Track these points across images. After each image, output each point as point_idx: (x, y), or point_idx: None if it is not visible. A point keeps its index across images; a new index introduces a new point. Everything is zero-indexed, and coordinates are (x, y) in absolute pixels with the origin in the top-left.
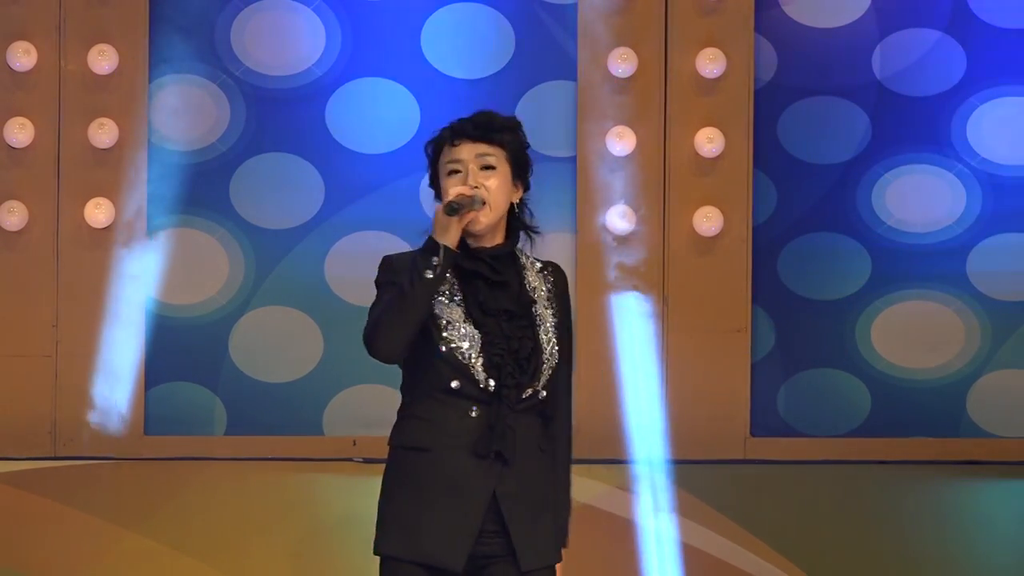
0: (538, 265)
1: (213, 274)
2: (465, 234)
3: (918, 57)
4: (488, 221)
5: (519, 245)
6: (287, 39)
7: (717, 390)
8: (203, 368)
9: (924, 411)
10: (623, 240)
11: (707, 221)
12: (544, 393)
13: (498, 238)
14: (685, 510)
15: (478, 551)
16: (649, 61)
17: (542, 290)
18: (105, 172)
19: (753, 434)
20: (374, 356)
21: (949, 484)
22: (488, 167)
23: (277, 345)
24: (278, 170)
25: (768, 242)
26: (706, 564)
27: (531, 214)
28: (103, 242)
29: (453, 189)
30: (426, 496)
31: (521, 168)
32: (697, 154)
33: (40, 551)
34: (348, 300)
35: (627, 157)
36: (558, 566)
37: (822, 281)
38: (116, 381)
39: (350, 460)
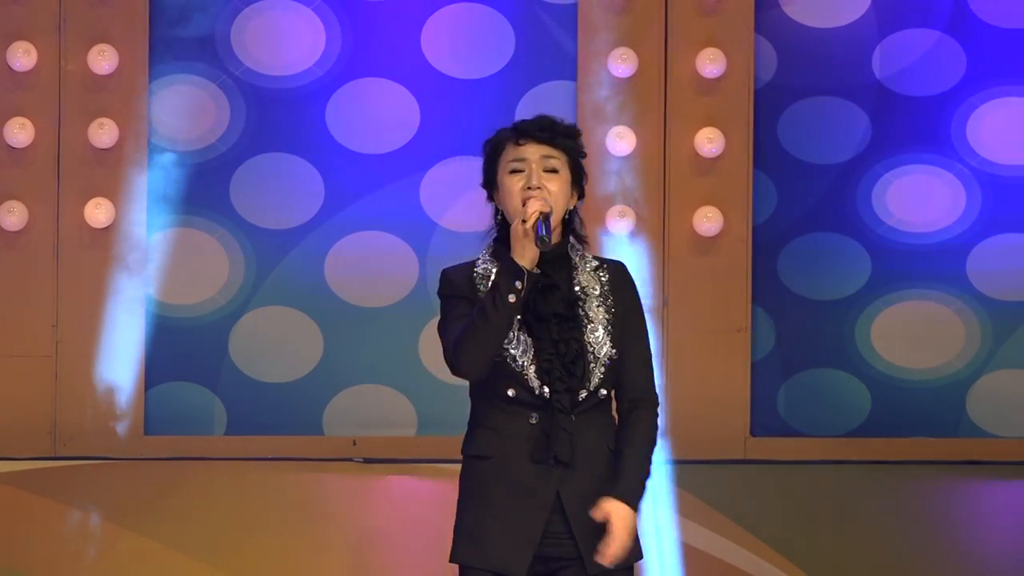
0: (594, 263)
1: (213, 274)
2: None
3: (918, 57)
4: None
5: (574, 246)
6: (287, 39)
7: (717, 390)
8: (203, 368)
9: (924, 411)
10: (623, 240)
11: (707, 221)
12: (604, 392)
13: (553, 242)
14: (685, 510)
15: (550, 553)
16: (649, 61)
17: (594, 288)
18: (105, 172)
19: (753, 434)
20: (459, 376)
21: (949, 484)
22: (552, 170)
23: (277, 345)
24: (278, 170)
25: (768, 242)
26: (706, 564)
27: (581, 222)
28: (103, 242)
29: (529, 209)
30: (489, 503)
31: (578, 176)
32: (697, 154)
33: (40, 551)
34: (348, 300)
35: (627, 157)
36: (622, 512)
37: (822, 281)
38: (116, 381)
39: (350, 460)
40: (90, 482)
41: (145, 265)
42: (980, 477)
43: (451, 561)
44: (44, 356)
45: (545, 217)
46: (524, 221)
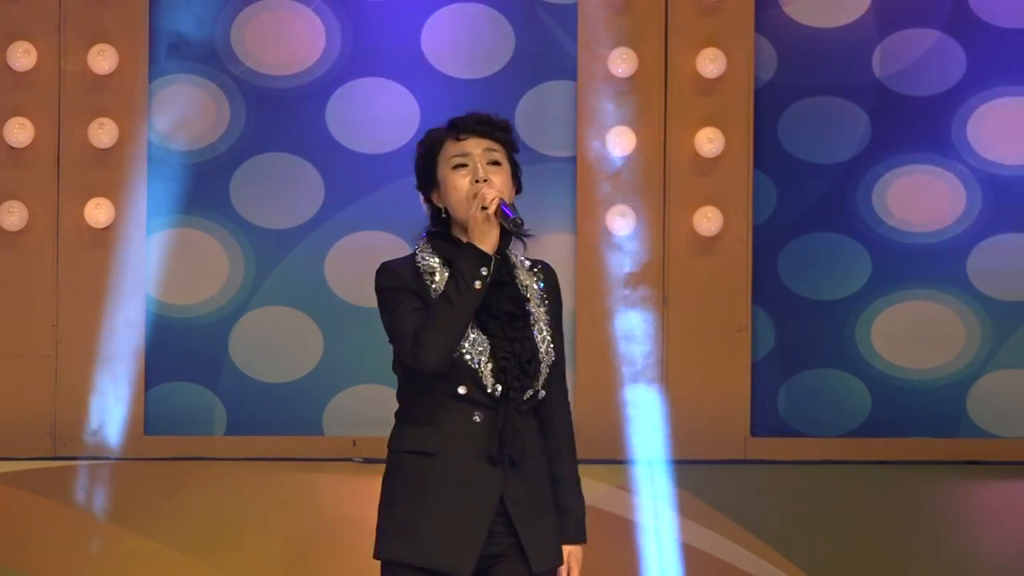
0: (527, 263)
1: (213, 274)
2: (461, 233)
3: (918, 57)
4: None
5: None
6: (287, 39)
7: (717, 390)
8: (203, 368)
9: (924, 411)
10: (623, 240)
11: (707, 221)
12: (543, 393)
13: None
14: (685, 510)
15: (486, 551)
16: (649, 61)
17: (534, 288)
18: (105, 172)
19: (753, 434)
20: (423, 368)
21: (949, 484)
22: (495, 163)
23: (277, 345)
24: (278, 170)
25: (768, 242)
26: (706, 564)
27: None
28: (103, 242)
29: (488, 193)
30: (431, 500)
31: (516, 168)
32: (697, 154)
33: (40, 551)
34: (348, 300)
35: (627, 157)
36: (579, 554)
37: (822, 281)
38: (116, 381)
39: (350, 460)
40: (90, 482)
41: (145, 265)
42: (980, 477)
43: (376, 557)
44: (44, 356)
45: (506, 202)
46: (484, 208)
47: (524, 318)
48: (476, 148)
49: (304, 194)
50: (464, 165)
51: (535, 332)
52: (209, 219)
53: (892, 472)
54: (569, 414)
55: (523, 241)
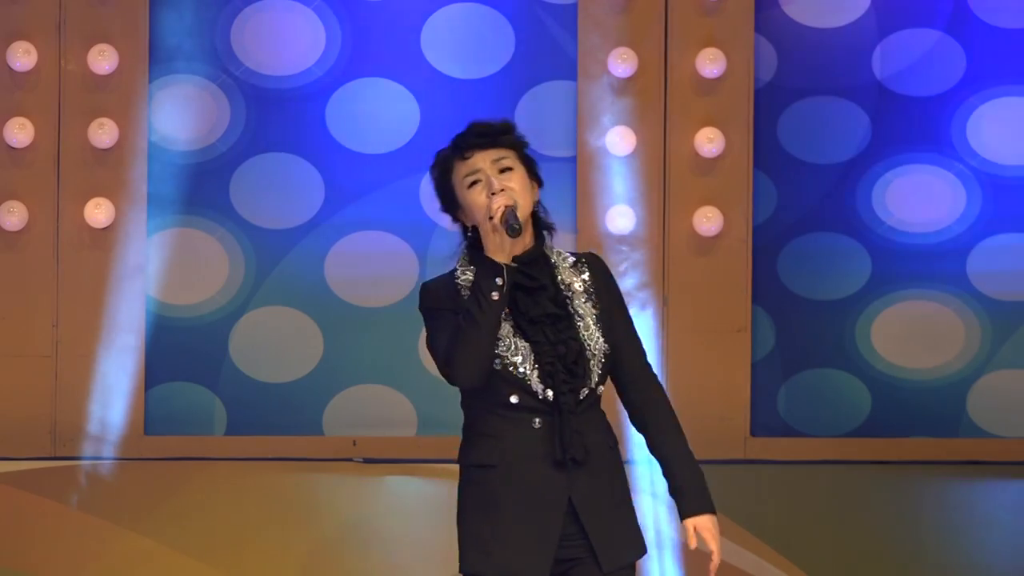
0: (571, 259)
1: (213, 274)
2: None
3: (918, 57)
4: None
5: (547, 243)
6: (287, 39)
7: (717, 390)
8: (203, 368)
9: (924, 411)
10: (623, 240)
11: (707, 221)
12: (601, 388)
13: (527, 241)
14: None
15: (560, 555)
16: (649, 61)
17: (578, 285)
18: (105, 172)
19: (753, 434)
20: (457, 385)
21: (949, 484)
22: (506, 169)
23: (277, 345)
24: (278, 170)
25: (768, 242)
26: (706, 564)
27: (545, 210)
28: (103, 242)
29: (495, 204)
30: (500, 511)
31: (531, 166)
32: (697, 154)
33: (40, 551)
34: (348, 300)
35: (627, 157)
36: (708, 523)
37: (822, 281)
38: (116, 381)
39: (350, 460)
40: (90, 482)
41: (145, 265)
42: (980, 477)
43: (462, 572)
44: (44, 356)
45: (511, 209)
46: (491, 218)
47: (568, 318)
48: (484, 162)
49: (304, 194)
50: (478, 181)
51: (581, 330)
52: (209, 219)
53: (892, 472)
54: (659, 392)
55: (551, 236)
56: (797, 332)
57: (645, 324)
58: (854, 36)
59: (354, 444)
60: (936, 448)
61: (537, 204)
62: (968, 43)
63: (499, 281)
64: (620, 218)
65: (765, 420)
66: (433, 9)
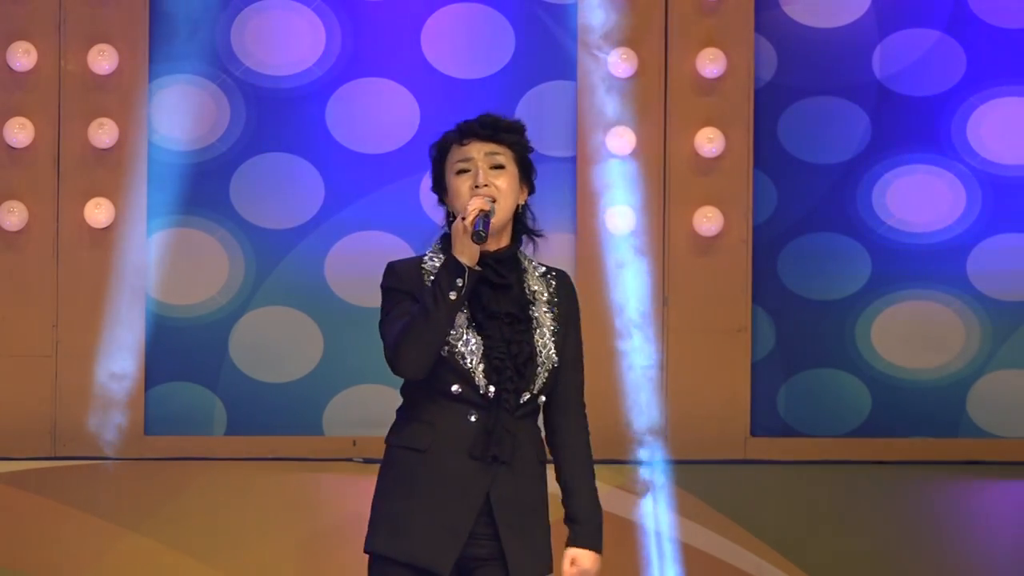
0: (541, 269)
1: (213, 274)
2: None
3: (918, 57)
4: (497, 222)
5: (522, 248)
6: (287, 39)
7: (717, 390)
8: (203, 368)
9: (924, 411)
10: (623, 240)
11: (707, 221)
12: (543, 399)
13: (503, 240)
14: (685, 510)
15: (469, 552)
16: (649, 61)
17: (543, 294)
18: (105, 172)
19: (753, 434)
20: (400, 375)
21: (949, 484)
22: (498, 166)
23: (277, 345)
24: (278, 170)
25: (768, 242)
26: (706, 564)
27: (533, 217)
28: (103, 242)
29: (470, 207)
30: (418, 496)
31: (526, 170)
32: (697, 154)
33: (40, 551)
34: (348, 300)
35: (627, 157)
36: (590, 560)
37: (822, 281)
38: (116, 381)
39: (350, 460)
40: (90, 482)
41: (145, 265)
42: (980, 477)
43: (366, 551)
44: (44, 356)
45: (485, 214)
46: (464, 218)
47: (526, 322)
48: (478, 153)
49: (304, 194)
50: (467, 170)
51: (536, 336)
52: (209, 219)
53: (892, 472)
54: (583, 422)
55: (534, 242)
56: (797, 332)
57: (645, 324)
58: (854, 36)
59: (354, 444)
60: (936, 448)
61: (524, 209)
62: (968, 43)
63: (459, 283)
64: (620, 218)
65: (765, 420)
66: (433, 9)
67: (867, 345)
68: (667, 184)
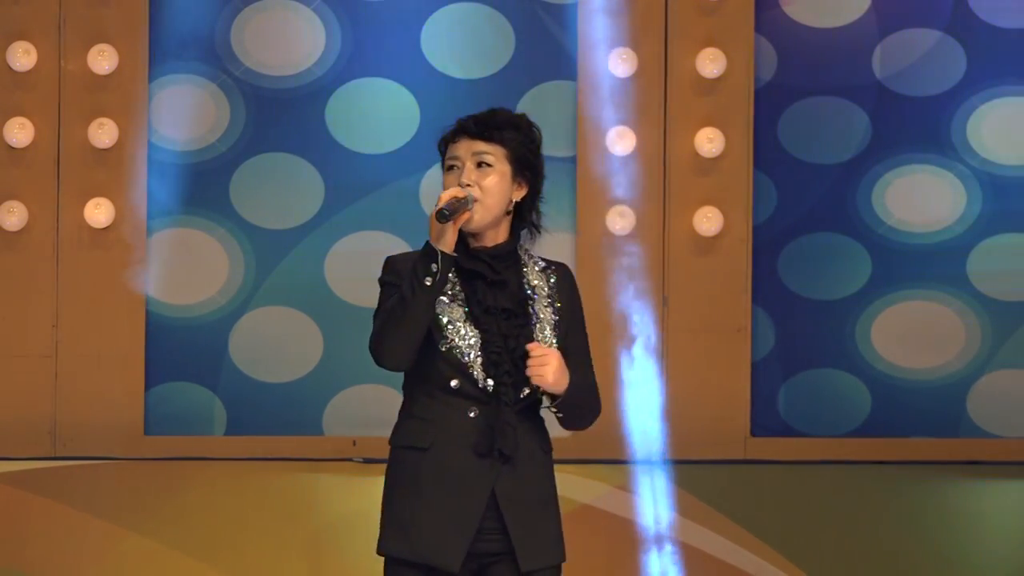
0: (541, 264)
1: (213, 274)
2: (466, 233)
3: (918, 57)
4: (482, 219)
5: (523, 243)
6: (287, 39)
7: (717, 390)
8: (203, 368)
9: (924, 411)
10: (623, 240)
11: (707, 221)
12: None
13: (500, 236)
14: (685, 510)
15: (480, 549)
16: (649, 61)
17: (543, 289)
18: (105, 172)
19: (753, 434)
20: (382, 366)
21: (949, 484)
22: (484, 164)
23: (277, 345)
24: (278, 170)
25: (768, 242)
26: (706, 564)
27: (539, 213)
28: (103, 242)
29: (444, 192)
30: (424, 495)
31: (523, 166)
32: (697, 154)
33: (40, 551)
34: (348, 300)
35: (627, 157)
36: (555, 358)
37: (822, 281)
38: (116, 381)
39: (350, 460)
40: (90, 482)
41: (145, 265)
42: (980, 477)
43: (378, 553)
44: (44, 356)
45: (458, 201)
46: (436, 205)
47: (524, 316)
48: (465, 151)
49: (304, 194)
50: (455, 167)
51: (536, 331)
52: (209, 219)
53: (892, 472)
54: (596, 394)
55: (533, 237)
56: (797, 332)
57: (645, 324)
58: (854, 36)
59: (354, 444)
60: (936, 448)
61: (525, 204)
62: (968, 43)
63: (433, 268)
64: (620, 218)
65: (765, 420)
66: (433, 9)
67: (867, 345)
68: (667, 184)
